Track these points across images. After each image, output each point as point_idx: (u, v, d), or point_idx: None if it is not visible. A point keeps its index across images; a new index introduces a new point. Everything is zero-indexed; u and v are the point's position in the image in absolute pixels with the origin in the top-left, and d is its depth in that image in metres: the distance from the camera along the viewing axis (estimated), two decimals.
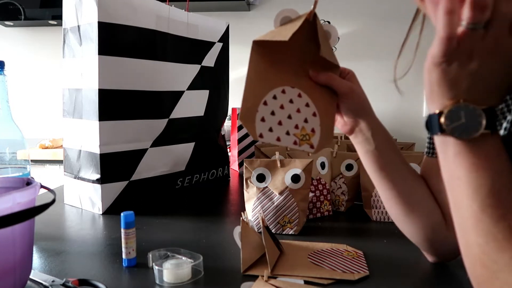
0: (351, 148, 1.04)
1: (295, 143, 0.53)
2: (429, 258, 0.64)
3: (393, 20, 2.27)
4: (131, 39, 0.92)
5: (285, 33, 0.51)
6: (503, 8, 0.34)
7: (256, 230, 0.69)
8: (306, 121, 0.54)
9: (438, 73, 0.39)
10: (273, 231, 0.77)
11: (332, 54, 0.58)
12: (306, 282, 0.57)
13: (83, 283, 0.55)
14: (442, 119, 0.38)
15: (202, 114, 1.14)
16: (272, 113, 0.52)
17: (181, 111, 1.06)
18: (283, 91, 0.53)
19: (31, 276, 0.56)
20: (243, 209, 0.89)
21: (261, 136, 0.51)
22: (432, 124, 0.39)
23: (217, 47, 1.17)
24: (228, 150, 1.34)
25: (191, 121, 1.11)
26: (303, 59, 0.55)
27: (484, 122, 0.36)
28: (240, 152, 1.37)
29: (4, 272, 0.47)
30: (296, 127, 0.53)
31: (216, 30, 1.16)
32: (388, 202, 0.62)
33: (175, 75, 1.04)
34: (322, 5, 2.25)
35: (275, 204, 0.77)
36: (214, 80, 1.17)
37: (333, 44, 0.57)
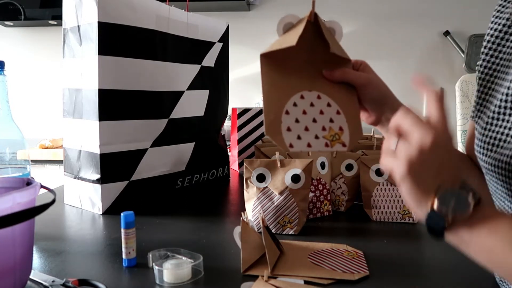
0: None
1: (326, 145, 0.52)
2: None
3: (393, 20, 2.27)
4: (131, 39, 0.92)
5: (291, 39, 0.50)
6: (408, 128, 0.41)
7: (256, 230, 0.69)
8: (331, 120, 0.53)
9: (407, 185, 0.42)
10: (273, 231, 0.77)
11: (341, 48, 0.57)
12: (306, 282, 0.57)
13: (83, 283, 0.55)
14: (437, 214, 0.40)
15: (202, 114, 1.14)
16: (297, 121, 0.51)
17: (181, 111, 1.06)
18: (302, 96, 0.52)
19: (31, 276, 0.56)
20: (243, 209, 0.89)
21: (291, 146, 0.50)
22: (435, 224, 0.40)
23: (217, 47, 1.17)
24: (228, 150, 1.34)
25: (191, 121, 1.10)
26: (313, 60, 0.55)
27: (468, 196, 0.39)
28: (240, 152, 1.37)
29: (4, 272, 0.47)
30: (324, 129, 0.52)
31: (216, 30, 1.16)
32: None
33: (175, 75, 1.04)
34: (323, 5, 2.25)
35: (275, 204, 0.77)
36: (214, 80, 1.17)
37: (339, 39, 0.57)
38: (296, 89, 0.53)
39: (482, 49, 0.59)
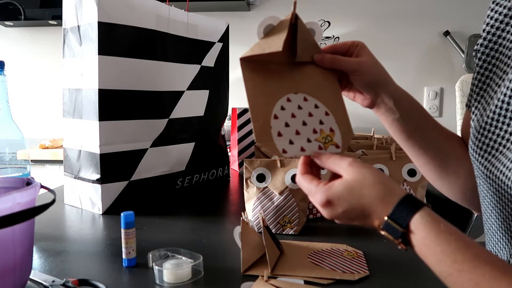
0: (351, 148, 1.03)
1: (320, 148, 0.51)
2: (475, 212, 0.63)
3: (393, 20, 2.27)
4: (131, 39, 0.92)
5: (275, 43, 0.49)
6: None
7: (256, 230, 0.69)
8: (321, 122, 0.52)
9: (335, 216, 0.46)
10: (273, 231, 0.77)
11: (315, 49, 0.55)
12: (306, 282, 0.57)
13: (83, 283, 0.55)
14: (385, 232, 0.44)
15: (202, 114, 1.14)
16: (287, 125, 0.50)
17: (181, 111, 1.06)
18: (288, 99, 0.51)
19: (31, 276, 0.56)
20: (243, 209, 0.88)
21: (284, 151, 0.49)
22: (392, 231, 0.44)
23: (217, 47, 1.17)
24: (228, 150, 1.34)
25: (191, 121, 1.10)
26: (292, 61, 0.53)
27: (398, 228, 0.42)
28: (240, 152, 1.37)
29: (4, 272, 0.47)
30: (315, 131, 0.51)
31: (216, 30, 1.16)
32: (422, 168, 0.63)
33: (175, 75, 1.04)
34: (322, 5, 2.25)
35: (275, 204, 0.77)
36: (214, 80, 1.17)
37: (318, 40, 0.55)
38: (282, 93, 0.51)
39: (482, 34, 0.57)
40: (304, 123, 0.51)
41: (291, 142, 0.49)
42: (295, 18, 0.50)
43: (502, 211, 0.51)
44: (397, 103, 0.57)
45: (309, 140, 0.50)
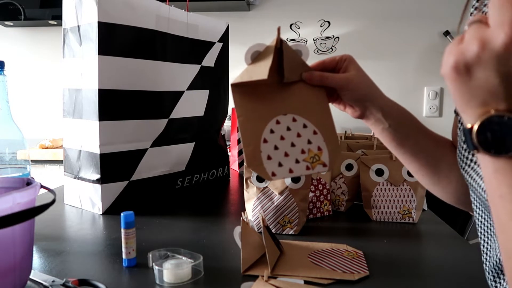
0: (351, 148, 1.04)
1: (307, 168, 0.52)
2: (471, 213, 0.64)
3: (393, 20, 2.27)
4: (131, 39, 0.92)
5: (262, 70, 0.51)
6: None
7: (256, 230, 0.69)
8: (309, 142, 0.53)
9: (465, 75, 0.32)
10: (273, 231, 0.77)
11: (303, 68, 0.56)
12: (306, 282, 0.57)
13: (83, 283, 0.55)
14: (474, 134, 0.31)
15: (202, 114, 1.14)
16: (276, 148, 0.51)
17: (181, 111, 1.06)
18: (278, 122, 0.53)
19: (31, 276, 0.56)
20: (243, 209, 0.89)
21: (273, 174, 0.50)
22: (466, 139, 0.33)
23: (217, 47, 1.17)
24: (228, 150, 1.34)
25: (191, 121, 1.11)
26: (281, 81, 0.55)
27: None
28: (240, 152, 1.37)
29: (4, 272, 0.47)
30: (303, 152, 0.52)
31: (216, 30, 1.16)
32: (415, 174, 0.64)
33: (175, 75, 1.04)
34: (322, 5, 2.25)
35: (275, 204, 0.77)
36: (214, 80, 1.17)
37: (305, 59, 0.57)
38: (271, 115, 0.53)
39: None
40: (293, 144, 0.52)
41: (280, 165, 0.51)
42: (280, 43, 0.52)
43: (489, 216, 0.51)
44: (385, 115, 0.58)
45: (297, 161, 0.52)
